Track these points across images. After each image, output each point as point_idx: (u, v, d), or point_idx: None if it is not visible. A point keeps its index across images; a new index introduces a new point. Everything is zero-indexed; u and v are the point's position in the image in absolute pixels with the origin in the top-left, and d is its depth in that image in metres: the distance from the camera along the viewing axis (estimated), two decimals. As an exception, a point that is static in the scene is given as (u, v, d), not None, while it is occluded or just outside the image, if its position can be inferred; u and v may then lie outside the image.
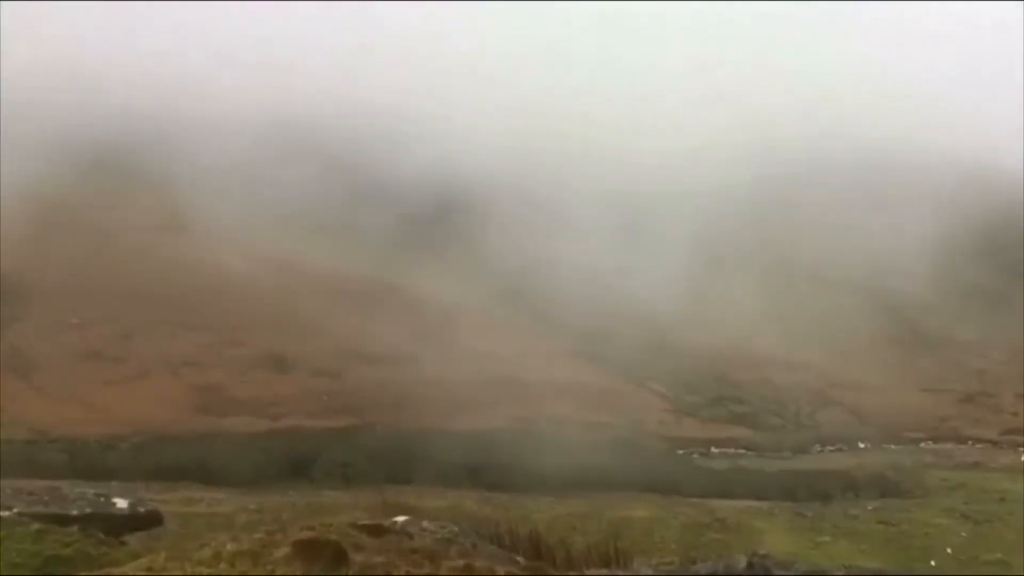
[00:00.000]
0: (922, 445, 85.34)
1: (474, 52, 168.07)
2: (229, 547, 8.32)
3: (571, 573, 7.05)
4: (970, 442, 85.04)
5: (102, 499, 12.65)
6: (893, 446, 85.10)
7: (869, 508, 63.40)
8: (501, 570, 7.95)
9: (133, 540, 11.78)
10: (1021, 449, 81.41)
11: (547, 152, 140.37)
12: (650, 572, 6.03)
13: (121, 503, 12.50)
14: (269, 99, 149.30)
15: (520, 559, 8.86)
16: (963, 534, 55.61)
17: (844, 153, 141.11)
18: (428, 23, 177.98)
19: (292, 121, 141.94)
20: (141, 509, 12.67)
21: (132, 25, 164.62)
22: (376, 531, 9.49)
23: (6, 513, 11.66)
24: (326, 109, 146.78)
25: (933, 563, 48.16)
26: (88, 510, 12.16)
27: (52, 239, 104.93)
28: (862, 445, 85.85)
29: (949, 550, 52.11)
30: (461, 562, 8.08)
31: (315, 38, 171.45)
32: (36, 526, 10.80)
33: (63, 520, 11.68)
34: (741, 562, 5.86)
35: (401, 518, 9.78)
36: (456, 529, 9.65)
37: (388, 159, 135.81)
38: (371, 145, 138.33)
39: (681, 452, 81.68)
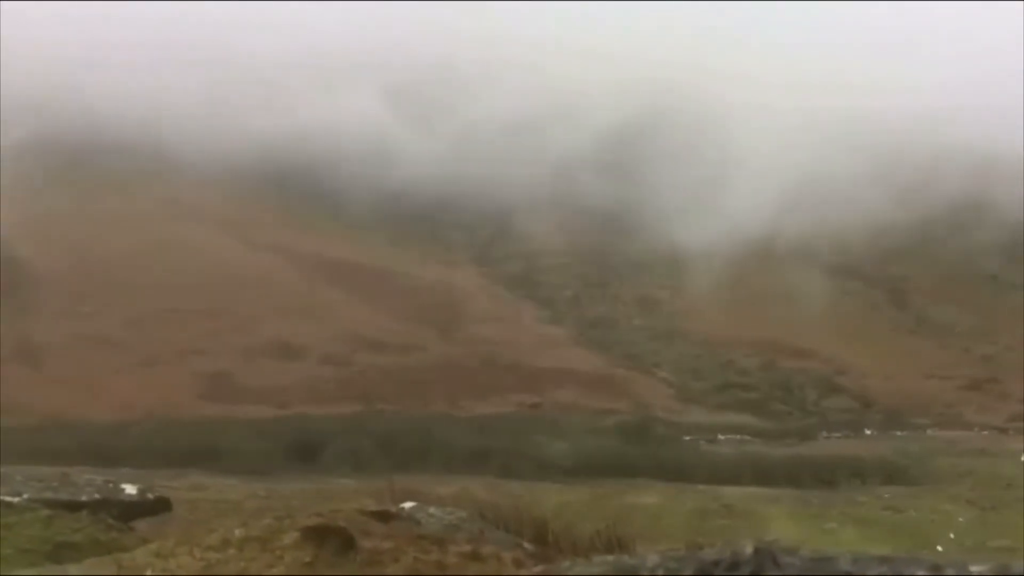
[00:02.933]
0: (928, 432, 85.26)
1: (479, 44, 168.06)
2: (238, 533, 8.35)
3: (577, 559, 7.06)
4: (976, 428, 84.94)
5: (111, 485, 12.67)
6: (899, 432, 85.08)
7: (875, 495, 63.41)
8: (508, 555, 7.97)
9: (142, 526, 11.83)
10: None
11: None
12: (656, 558, 6.04)
13: (130, 489, 12.50)
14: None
15: (527, 545, 8.87)
16: (969, 520, 55.61)
17: (853, 137, 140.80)
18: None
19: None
20: (150, 495, 12.68)
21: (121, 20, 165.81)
22: (384, 517, 9.52)
23: (15, 499, 11.68)
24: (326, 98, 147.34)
25: (940, 548, 48.16)
26: (97, 496, 12.18)
27: (60, 228, 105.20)
28: (868, 432, 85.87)
29: (953, 535, 52.12)
30: (468, 548, 8.10)
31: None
32: (45, 512, 10.83)
33: (72, 506, 11.69)
34: (747, 548, 5.87)
35: (408, 504, 9.77)
36: (463, 515, 9.65)
37: (390, 147, 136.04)
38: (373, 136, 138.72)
39: (688, 439, 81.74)
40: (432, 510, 9.78)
